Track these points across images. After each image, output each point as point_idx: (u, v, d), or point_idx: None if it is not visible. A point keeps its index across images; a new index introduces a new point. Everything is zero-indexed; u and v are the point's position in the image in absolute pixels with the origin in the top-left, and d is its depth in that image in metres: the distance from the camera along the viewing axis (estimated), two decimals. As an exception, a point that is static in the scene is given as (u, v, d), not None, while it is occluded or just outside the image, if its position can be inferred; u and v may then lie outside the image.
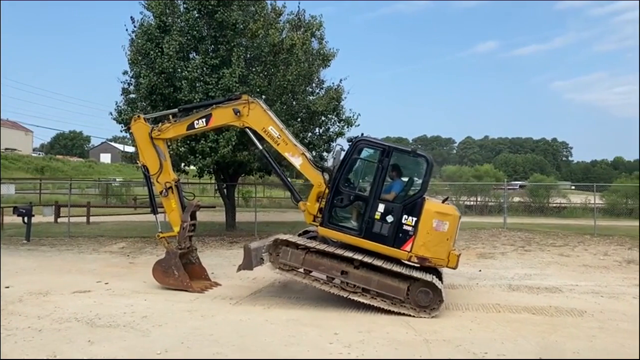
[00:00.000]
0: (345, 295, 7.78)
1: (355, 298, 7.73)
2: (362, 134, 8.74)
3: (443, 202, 8.71)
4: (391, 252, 7.92)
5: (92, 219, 19.66)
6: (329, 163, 9.96)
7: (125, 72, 14.99)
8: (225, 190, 17.15)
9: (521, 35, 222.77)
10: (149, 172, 9.42)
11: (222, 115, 9.05)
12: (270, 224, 17.87)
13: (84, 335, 6.35)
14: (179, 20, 14.19)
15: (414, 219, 7.88)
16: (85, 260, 12.37)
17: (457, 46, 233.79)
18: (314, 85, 16.48)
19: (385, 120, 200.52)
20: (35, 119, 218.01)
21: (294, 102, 15.30)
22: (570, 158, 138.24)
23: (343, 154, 8.27)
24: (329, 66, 16.42)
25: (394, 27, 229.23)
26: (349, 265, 7.82)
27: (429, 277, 7.64)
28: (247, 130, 9.03)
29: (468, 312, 7.84)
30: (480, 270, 11.37)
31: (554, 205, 26.42)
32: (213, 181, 21.26)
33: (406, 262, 7.99)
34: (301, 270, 8.09)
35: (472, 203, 27.02)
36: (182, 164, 14.94)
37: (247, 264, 8.25)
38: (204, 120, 9.12)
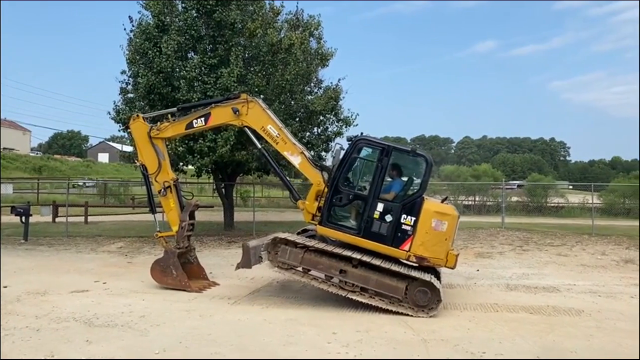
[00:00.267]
0: (343, 295, 7.79)
1: (354, 297, 7.73)
2: (362, 133, 8.75)
3: (442, 201, 8.72)
4: (390, 251, 7.93)
5: (90, 218, 19.62)
6: (328, 162, 9.96)
7: (123, 72, 15.00)
8: (223, 189, 17.14)
9: (519, 35, 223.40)
10: (147, 171, 9.41)
11: (221, 114, 9.04)
12: (268, 224, 17.85)
13: (81, 335, 6.34)
14: (177, 19, 14.18)
15: (413, 218, 7.89)
16: (83, 259, 12.35)
17: (456, 46, 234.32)
18: (312, 84, 16.50)
19: (383, 120, 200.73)
20: (35, 119, 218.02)
21: (293, 102, 15.31)
22: (568, 158, 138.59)
23: (342, 153, 8.27)
24: (327, 66, 16.46)
25: (393, 27, 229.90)
26: (348, 264, 7.82)
27: (427, 277, 7.65)
28: (246, 129, 9.03)
29: (466, 312, 7.85)
30: (478, 270, 11.38)
31: (552, 205, 26.47)
32: (211, 181, 21.23)
33: (405, 261, 8.00)
34: (300, 269, 8.09)
35: (470, 203, 27.06)
36: (181, 164, 14.92)
37: (246, 262, 8.25)
38: (202, 119, 9.11)
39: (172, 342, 6.11)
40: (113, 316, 7.19)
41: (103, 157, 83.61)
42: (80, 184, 40.25)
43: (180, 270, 9.05)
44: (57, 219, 19.18)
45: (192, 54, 14.47)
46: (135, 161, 10.06)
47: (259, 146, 9.10)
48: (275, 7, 15.91)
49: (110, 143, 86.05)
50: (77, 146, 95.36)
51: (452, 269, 8.21)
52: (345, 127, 16.13)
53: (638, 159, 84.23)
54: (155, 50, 13.73)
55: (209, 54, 14.25)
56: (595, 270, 11.61)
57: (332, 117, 16.14)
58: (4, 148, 54.31)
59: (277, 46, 14.24)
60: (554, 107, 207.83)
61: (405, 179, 8.48)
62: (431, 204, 8.12)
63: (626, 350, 6.14)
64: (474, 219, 19.69)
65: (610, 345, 6.32)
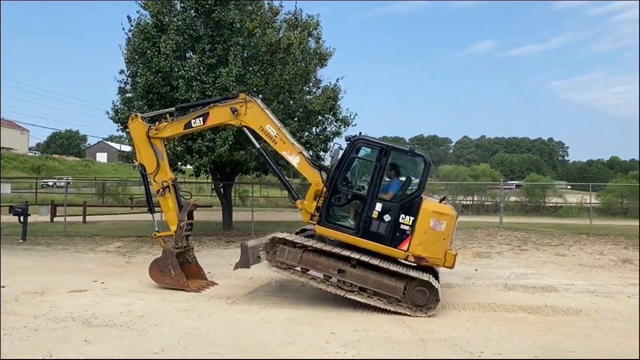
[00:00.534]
0: (342, 294, 7.79)
1: (352, 297, 7.74)
2: (360, 133, 8.75)
3: (440, 201, 8.72)
4: (388, 251, 7.93)
5: (88, 218, 19.58)
6: (327, 162, 9.96)
7: (122, 71, 14.98)
8: (222, 189, 17.13)
9: (518, 35, 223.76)
10: (146, 171, 9.40)
11: (219, 114, 9.04)
12: (267, 224, 17.86)
13: (80, 334, 6.34)
14: (175, 19, 14.16)
15: (412, 218, 7.90)
16: (82, 259, 12.34)
17: (454, 46, 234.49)
18: (310, 84, 16.50)
19: (382, 120, 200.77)
20: (35, 119, 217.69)
21: (291, 102, 15.32)
22: (566, 158, 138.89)
23: (341, 152, 8.27)
24: (325, 66, 16.47)
25: (391, 26, 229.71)
26: (346, 264, 7.82)
27: (425, 277, 7.65)
28: (245, 129, 9.02)
29: (464, 312, 7.86)
30: (476, 270, 11.40)
31: (550, 204, 26.51)
32: (210, 180, 21.23)
33: (403, 261, 8.00)
34: (298, 268, 8.09)
35: (468, 202, 27.08)
36: (179, 163, 14.90)
37: (244, 262, 8.25)
38: (201, 119, 9.11)
39: (170, 342, 6.11)
40: (111, 316, 7.19)
41: (101, 157, 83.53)
42: (50, 183, 38.92)
43: (179, 270, 9.05)
44: (55, 219, 19.15)
45: (191, 53, 14.46)
46: (134, 161, 10.05)
47: (258, 146, 9.09)
48: (274, 7, 15.91)
49: (109, 143, 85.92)
50: (75, 146, 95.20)
51: (451, 268, 8.22)
52: (344, 126, 16.14)
53: (637, 159, 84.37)
54: (153, 49, 13.71)
55: (208, 53, 14.24)
56: (593, 270, 11.63)
57: (330, 117, 16.14)
58: (2, 147, 54.18)
59: (276, 46, 14.23)
60: (552, 107, 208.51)
61: (403, 178, 8.49)
62: (429, 203, 8.13)
63: (624, 350, 6.16)
64: (472, 219, 19.70)
65: (608, 345, 6.33)
